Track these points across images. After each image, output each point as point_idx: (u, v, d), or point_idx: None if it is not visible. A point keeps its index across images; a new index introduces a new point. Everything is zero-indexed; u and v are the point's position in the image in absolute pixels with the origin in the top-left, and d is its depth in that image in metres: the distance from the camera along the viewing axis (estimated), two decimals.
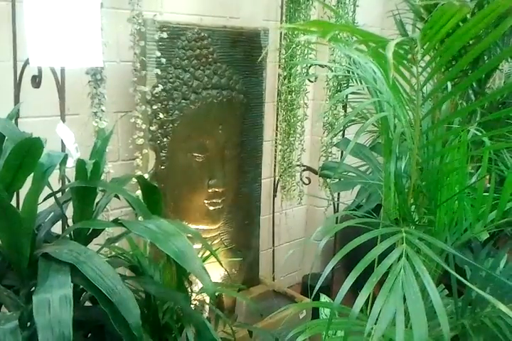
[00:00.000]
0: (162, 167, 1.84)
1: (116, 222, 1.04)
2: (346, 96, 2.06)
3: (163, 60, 1.70)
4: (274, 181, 2.49)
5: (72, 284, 0.90)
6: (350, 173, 1.58)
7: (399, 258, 0.90)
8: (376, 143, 1.75)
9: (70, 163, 1.30)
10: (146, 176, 1.78)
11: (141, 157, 1.77)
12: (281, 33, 2.28)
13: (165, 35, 1.68)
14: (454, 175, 1.05)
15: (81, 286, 0.95)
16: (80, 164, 1.05)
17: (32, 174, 0.98)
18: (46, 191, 1.13)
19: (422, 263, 0.88)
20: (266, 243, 2.49)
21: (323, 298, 1.65)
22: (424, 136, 1.06)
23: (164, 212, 1.90)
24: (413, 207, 1.10)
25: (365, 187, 1.49)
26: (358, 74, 1.05)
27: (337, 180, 1.65)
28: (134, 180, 1.35)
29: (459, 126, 1.10)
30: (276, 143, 2.40)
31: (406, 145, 1.01)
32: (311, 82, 2.10)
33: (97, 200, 1.24)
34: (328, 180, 2.13)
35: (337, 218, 2.36)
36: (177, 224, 1.07)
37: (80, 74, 1.52)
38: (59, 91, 1.36)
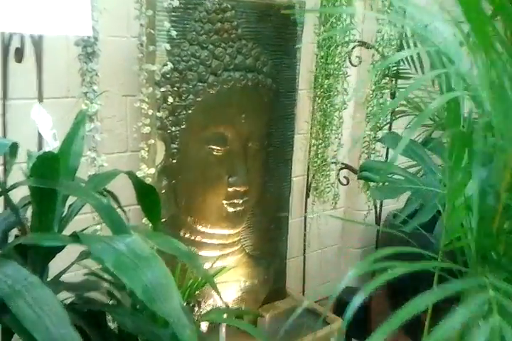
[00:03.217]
0: (173, 160, 1.57)
1: (74, 236, 0.77)
2: (395, 82, 1.74)
3: (175, 34, 1.43)
4: (308, 180, 2.19)
5: None
6: (396, 176, 1.26)
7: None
8: (429, 139, 1.43)
9: None
10: (153, 171, 1.51)
11: (147, 148, 1.50)
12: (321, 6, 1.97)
13: (177, 2, 1.40)
14: None
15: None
16: (35, 157, 0.79)
17: None
18: None
19: None
20: (295, 250, 2.20)
21: None
22: None
23: (175, 214, 1.65)
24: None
25: (417, 195, 1.17)
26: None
27: (380, 183, 1.33)
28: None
29: None
30: (310, 136, 2.10)
31: (492, 144, 0.68)
32: (354, 65, 1.78)
33: (70, 202, 0.98)
34: (369, 183, 1.81)
35: (379, 221, 2.05)
36: (162, 240, 0.79)
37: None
38: (37, 65, 1.10)
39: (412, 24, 0.68)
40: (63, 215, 0.92)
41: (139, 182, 1.08)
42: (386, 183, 1.24)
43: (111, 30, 1.49)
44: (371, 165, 1.35)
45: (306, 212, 2.23)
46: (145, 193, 1.10)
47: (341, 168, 1.99)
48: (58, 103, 1.47)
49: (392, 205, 2.05)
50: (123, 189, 1.12)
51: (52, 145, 1.06)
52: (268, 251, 1.93)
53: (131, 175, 1.06)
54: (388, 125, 1.81)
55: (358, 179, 1.61)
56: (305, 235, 2.25)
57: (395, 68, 1.69)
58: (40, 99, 1.12)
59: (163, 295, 0.65)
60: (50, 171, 0.79)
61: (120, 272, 0.66)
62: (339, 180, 2.01)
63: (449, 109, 0.73)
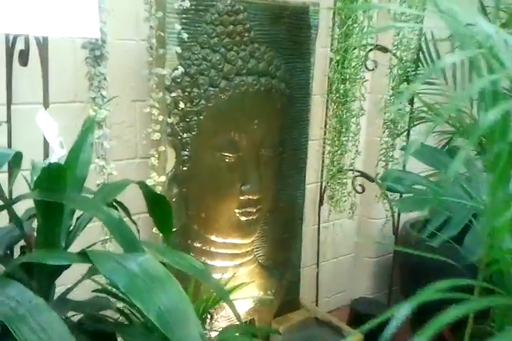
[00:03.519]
0: (184, 168, 1.51)
1: (82, 254, 0.71)
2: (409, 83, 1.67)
3: (186, 36, 1.37)
4: (321, 187, 2.12)
5: None
6: (418, 185, 1.19)
7: None
8: (453, 147, 1.36)
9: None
10: (164, 179, 1.45)
11: (157, 155, 1.44)
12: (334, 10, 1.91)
13: (187, 3, 1.34)
14: None
15: None
16: (39, 169, 0.73)
17: None
18: None
19: None
20: (308, 259, 2.13)
21: None
22: None
23: (185, 223, 1.59)
24: None
25: (443, 206, 1.10)
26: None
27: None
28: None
29: None
30: (324, 142, 2.03)
31: None
32: (370, 70, 1.71)
33: (78, 214, 0.92)
34: (386, 192, 1.74)
35: (396, 236, 1.98)
36: (176, 257, 0.73)
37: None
38: (42, 69, 1.04)
39: (453, 23, 0.61)
40: (70, 229, 0.86)
41: (150, 193, 1.02)
42: (411, 194, 1.17)
43: (119, 32, 1.44)
44: (393, 174, 1.28)
45: (319, 220, 2.16)
46: (156, 203, 1.04)
47: (356, 176, 1.92)
48: (65, 108, 1.42)
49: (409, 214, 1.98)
50: (133, 197, 1.06)
51: (58, 153, 1.00)
52: (281, 261, 1.87)
53: (142, 184, 1.00)
54: (406, 132, 1.73)
55: (382, 191, 1.55)
56: (319, 244, 2.19)
57: (414, 72, 1.63)
58: (46, 104, 1.06)
59: (179, 321, 0.59)
60: (56, 184, 0.73)
61: (133, 295, 0.60)
62: (354, 188, 1.94)
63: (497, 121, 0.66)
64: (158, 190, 1.44)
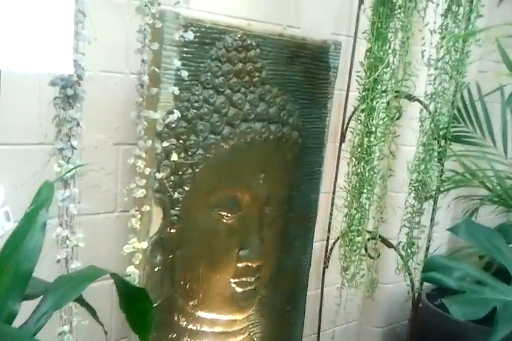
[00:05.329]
0: (172, 230, 1.25)
1: None
2: (446, 145, 1.43)
3: (186, 74, 1.13)
4: (327, 247, 1.86)
5: None
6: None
7: None
8: (505, 225, 1.11)
9: None
10: (146, 245, 1.18)
11: (139, 216, 1.17)
12: (353, 50, 1.69)
13: (191, 35, 1.10)
14: None
15: None
16: None
17: None
18: None
19: None
20: (307, 328, 1.83)
21: None
22: None
23: (169, 296, 1.31)
24: None
25: (508, 309, 0.84)
26: None
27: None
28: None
29: None
30: (333, 194, 1.78)
31: None
32: (395, 119, 1.47)
33: None
34: (407, 261, 1.48)
35: (417, 307, 1.70)
36: None
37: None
38: None
39: None
40: None
41: (126, 286, 0.75)
42: (465, 292, 0.91)
43: (104, 64, 1.20)
44: (438, 261, 1.02)
45: (323, 284, 1.89)
46: (133, 299, 0.77)
47: (369, 239, 1.65)
48: (31, 151, 1.17)
49: None
50: None
51: (4, 226, 0.73)
52: (281, 338, 1.58)
53: (115, 276, 0.73)
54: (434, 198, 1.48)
55: (422, 281, 1.29)
56: (320, 311, 1.91)
57: (453, 129, 1.39)
58: None
59: None
60: None
61: None
62: (366, 250, 1.67)
63: None
64: (138, 258, 1.17)
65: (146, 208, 1.16)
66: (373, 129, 1.34)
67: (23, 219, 0.65)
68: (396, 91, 1.34)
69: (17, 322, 0.69)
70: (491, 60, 1.96)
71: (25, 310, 0.74)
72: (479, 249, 0.95)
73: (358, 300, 2.04)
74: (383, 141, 1.34)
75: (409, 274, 1.54)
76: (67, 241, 0.92)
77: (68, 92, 0.87)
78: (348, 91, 1.73)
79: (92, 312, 0.78)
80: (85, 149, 1.04)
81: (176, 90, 1.12)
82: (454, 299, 0.97)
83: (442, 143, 1.43)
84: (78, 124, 0.90)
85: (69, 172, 0.88)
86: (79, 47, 0.85)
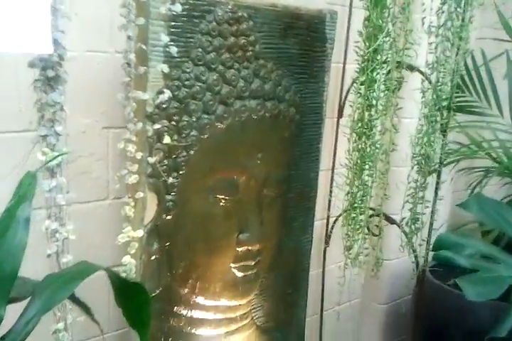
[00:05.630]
0: (167, 217, 1.19)
1: None
2: (448, 116, 1.37)
3: (175, 50, 1.05)
4: (327, 226, 1.81)
5: None
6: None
7: None
8: None
9: None
10: (141, 233, 1.12)
11: (133, 203, 1.11)
12: (349, 20, 1.61)
13: (179, 8, 1.02)
14: None
15: None
16: None
17: None
18: None
19: None
20: (310, 307, 1.80)
21: None
22: None
23: (168, 285, 1.26)
24: None
25: None
26: None
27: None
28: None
29: None
30: (333, 172, 1.73)
31: None
32: (396, 91, 1.41)
33: None
34: (411, 238, 1.44)
35: (422, 284, 1.67)
36: None
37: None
38: None
39: None
40: None
41: (120, 281, 0.70)
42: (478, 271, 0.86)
43: (87, 43, 1.12)
44: (449, 239, 0.97)
45: (324, 264, 1.85)
46: (129, 294, 0.72)
47: (372, 215, 1.60)
48: (15, 139, 1.11)
49: None
50: None
51: None
52: (284, 321, 1.54)
53: (109, 272, 0.68)
54: (438, 170, 1.43)
55: (432, 260, 1.24)
56: (323, 291, 1.88)
57: (456, 99, 1.33)
58: None
59: None
60: None
61: None
62: (369, 229, 1.63)
63: None
64: (134, 247, 1.11)
65: (140, 194, 1.10)
66: (374, 102, 1.28)
67: (4, 214, 0.59)
68: (397, 62, 1.27)
69: (4, 328, 0.64)
70: (490, 27, 1.90)
71: (12, 312, 0.68)
72: (490, 224, 0.90)
73: (361, 279, 2.01)
74: (385, 114, 1.28)
75: (414, 251, 1.50)
76: (57, 234, 0.86)
77: (49, 74, 0.80)
78: (344, 63, 1.66)
79: (87, 309, 0.73)
80: (72, 135, 0.97)
81: (166, 68, 1.05)
82: (467, 279, 0.93)
83: (445, 114, 1.37)
84: (62, 108, 0.83)
85: (53, 160, 0.81)
86: (58, 24, 0.77)
